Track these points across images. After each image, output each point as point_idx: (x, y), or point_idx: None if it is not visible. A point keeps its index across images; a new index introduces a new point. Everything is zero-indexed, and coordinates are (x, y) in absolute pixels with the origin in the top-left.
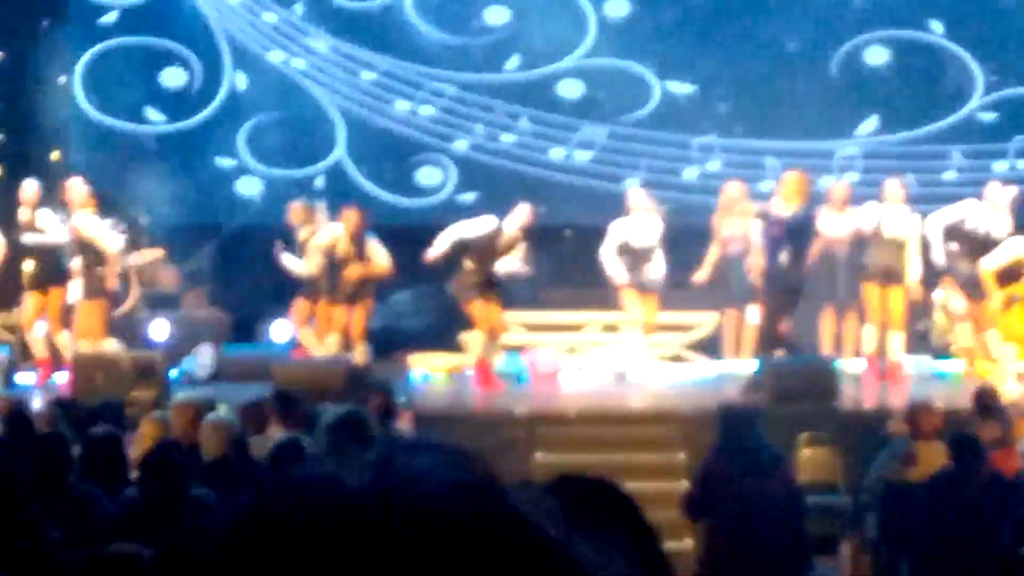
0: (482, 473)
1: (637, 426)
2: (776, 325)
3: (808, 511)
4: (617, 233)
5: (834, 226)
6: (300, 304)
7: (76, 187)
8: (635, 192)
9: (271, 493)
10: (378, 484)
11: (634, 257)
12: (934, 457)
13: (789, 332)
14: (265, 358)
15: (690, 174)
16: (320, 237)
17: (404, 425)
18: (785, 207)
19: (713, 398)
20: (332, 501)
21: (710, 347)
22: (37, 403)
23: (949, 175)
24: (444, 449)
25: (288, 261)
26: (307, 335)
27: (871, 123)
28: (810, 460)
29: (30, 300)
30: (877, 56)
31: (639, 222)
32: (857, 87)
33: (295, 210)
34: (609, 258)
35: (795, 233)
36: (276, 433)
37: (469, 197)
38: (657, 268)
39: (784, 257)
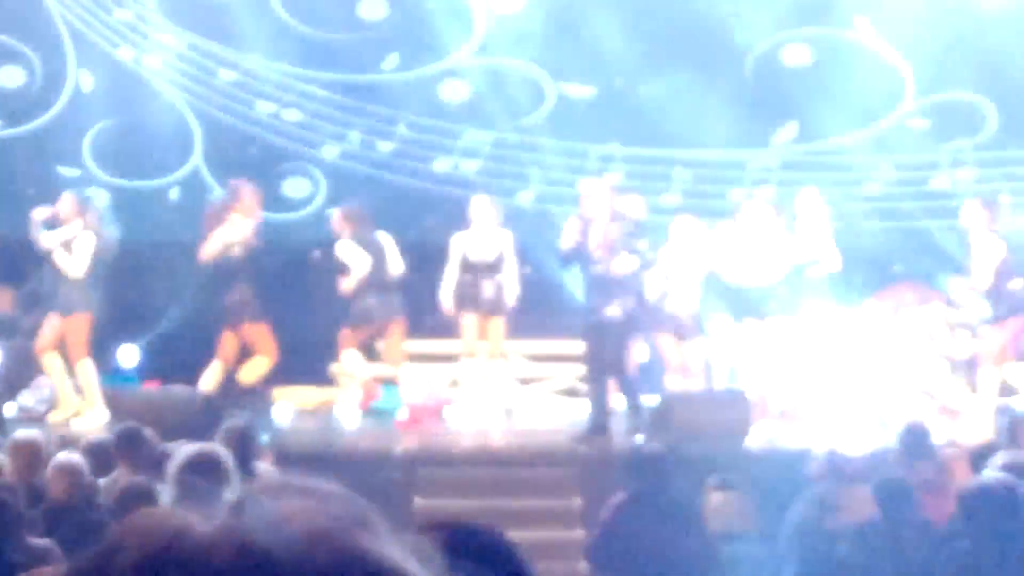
0: (354, 517)
1: (528, 468)
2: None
3: (721, 563)
4: (457, 248)
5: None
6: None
7: None
8: (478, 201)
9: (112, 542)
10: (228, 531)
11: (475, 275)
12: (858, 503)
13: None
14: (111, 389)
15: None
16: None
17: (266, 466)
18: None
19: (612, 436)
20: (177, 550)
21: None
22: None
23: (872, 188)
24: (311, 490)
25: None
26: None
27: (789, 130)
28: (719, 506)
29: None
30: (796, 56)
31: (482, 235)
32: (774, 90)
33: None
34: (445, 279)
35: None
36: (124, 475)
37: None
38: (504, 288)
39: None
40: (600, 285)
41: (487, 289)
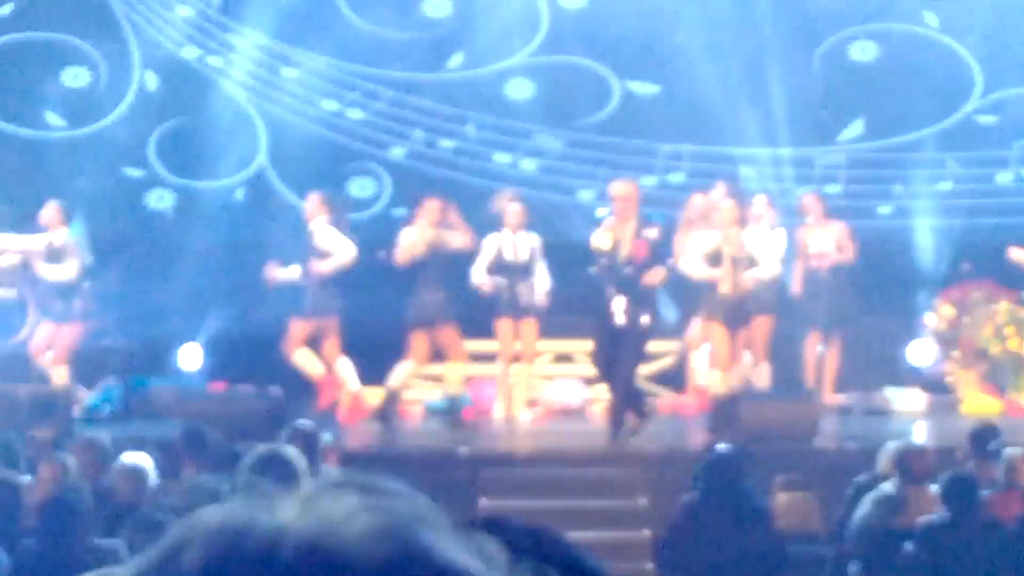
0: (419, 516)
1: (594, 468)
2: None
3: (788, 564)
4: (489, 250)
5: (816, 242)
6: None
7: None
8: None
9: (176, 539)
10: (293, 528)
11: (509, 277)
12: (925, 502)
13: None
14: (177, 390)
15: (648, 184)
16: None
17: (330, 467)
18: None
19: (678, 437)
20: (245, 548)
21: (676, 379)
22: None
23: (944, 186)
24: (377, 489)
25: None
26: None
27: (856, 128)
28: (786, 506)
29: None
30: (864, 52)
31: (513, 237)
32: (841, 87)
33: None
34: (474, 276)
35: None
36: (190, 475)
37: (405, 211)
38: (535, 290)
39: None
40: (622, 289)
41: (522, 292)
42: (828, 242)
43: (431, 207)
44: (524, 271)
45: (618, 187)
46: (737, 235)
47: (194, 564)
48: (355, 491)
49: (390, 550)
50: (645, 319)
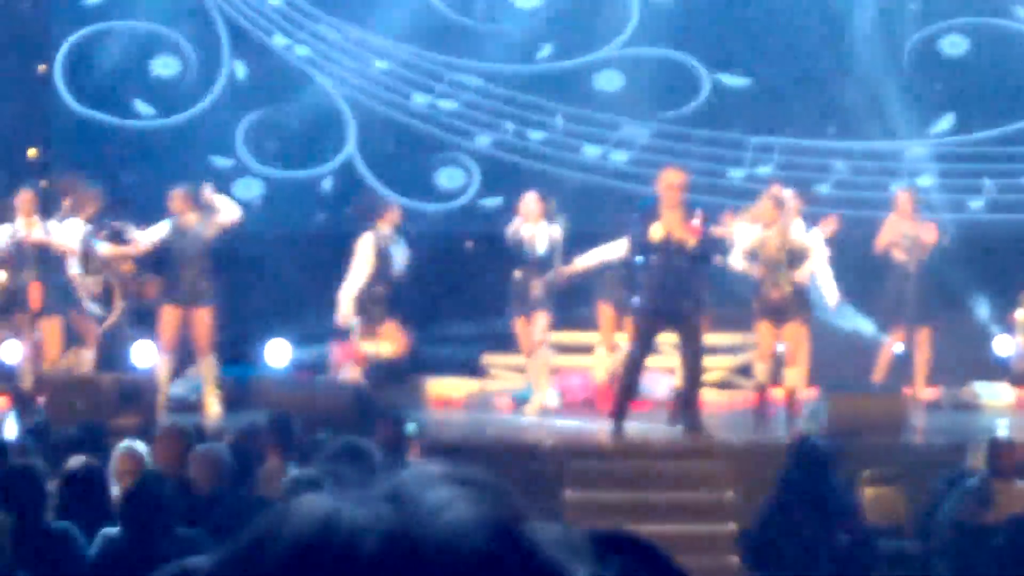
0: (508, 508)
1: (680, 461)
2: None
3: (875, 559)
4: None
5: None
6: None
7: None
8: (528, 197)
9: (263, 529)
10: (381, 519)
11: (526, 271)
12: (1014, 497)
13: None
14: (262, 381)
15: (737, 175)
16: None
17: (414, 458)
18: None
19: (765, 430)
20: (332, 539)
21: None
22: (11, 431)
23: None
24: (466, 480)
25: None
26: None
27: (947, 121)
28: (873, 500)
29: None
30: (955, 46)
31: (533, 230)
32: (931, 81)
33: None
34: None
35: None
36: (273, 465)
37: (494, 201)
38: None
39: None
40: (665, 277)
41: (535, 287)
42: (917, 236)
43: (531, 200)
44: (542, 264)
45: (669, 175)
46: (777, 235)
47: (280, 555)
48: (444, 482)
49: (479, 542)
50: (700, 305)
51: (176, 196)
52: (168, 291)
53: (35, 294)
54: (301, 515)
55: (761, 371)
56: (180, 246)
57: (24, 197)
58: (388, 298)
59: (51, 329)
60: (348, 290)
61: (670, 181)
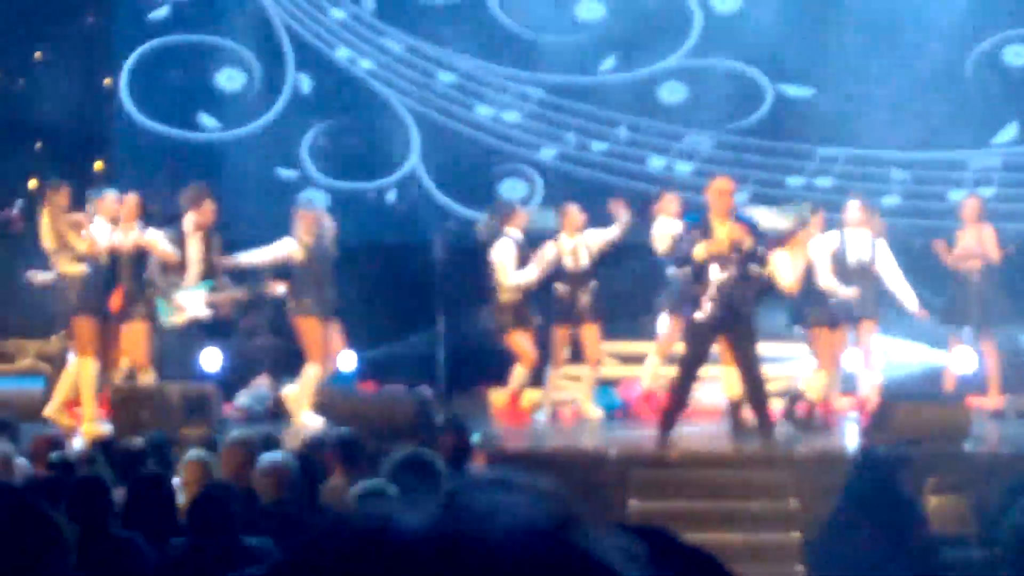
0: (563, 513)
1: (744, 469)
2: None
3: (940, 568)
4: (552, 254)
5: (966, 244)
6: None
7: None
8: (572, 209)
9: (321, 536)
10: (442, 525)
11: (571, 284)
12: None
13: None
14: (329, 392)
15: (795, 183)
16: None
17: (478, 466)
18: None
19: (829, 438)
20: (388, 544)
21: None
22: (77, 442)
23: None
24: (521, 486)
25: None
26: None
27: (1011, 131)
28: (938, 509)
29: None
30: (1018, 56)
31: (576, 242)
32: (995, 90)
33: None
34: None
35: None
36: (338, 480)
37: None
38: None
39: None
40: (723, 288)
41: (582, 298)
42: (978, 244)
43: (573, 212)
44: (583, 277)
45: (719, 182)
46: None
47: (335, 558)
48: (497, 487)
49: (535, 548)
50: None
51: (306, 215)
52: (315, 306)
53: (117, 299)
54: (357, 521)
55: (820, 381)
56: (319, 261)
57: (130, 201)
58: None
59: (134, 335)
60: (509, 295)
61: (720, 188)
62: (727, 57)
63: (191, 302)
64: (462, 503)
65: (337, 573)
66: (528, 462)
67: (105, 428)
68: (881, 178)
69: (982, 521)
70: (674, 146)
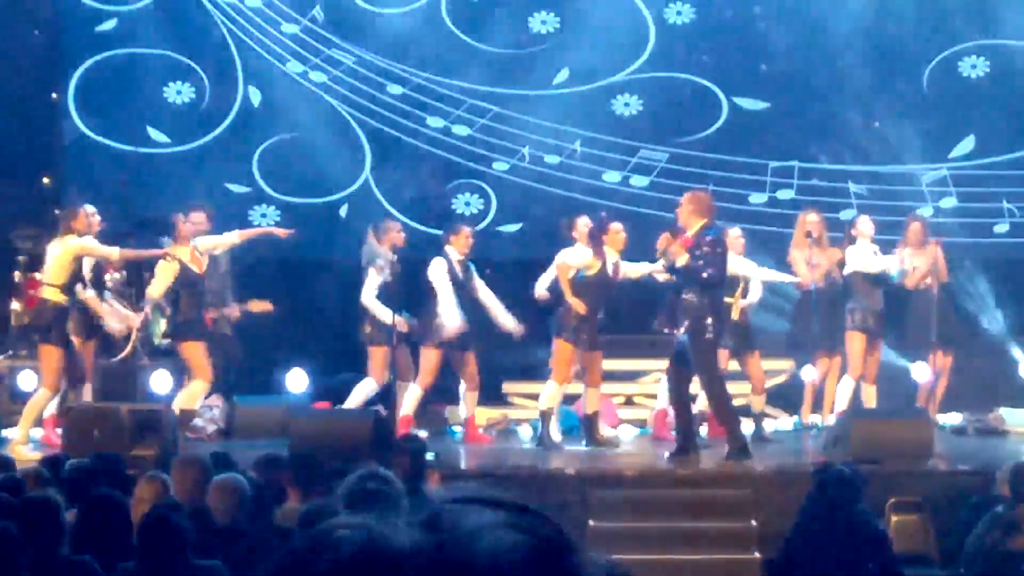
0: (550, 535)
1: (704, 489)
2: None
3: None
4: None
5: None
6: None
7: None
8: (582, 222)
9: (307, 552)
10: (428, 544)
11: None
12: None
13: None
14: (281, 411)
15: (758, 200)
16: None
17: (433, 486)
18: None
19: (789, 457)
20: (373, 563)
21: (787, 398)
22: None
23: None
24: (507, 504)
25: None
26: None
27: (967, 144)
28: (900, 527)
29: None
30: (974, 68)
31: (585, 254)
32: (952, 104)
33: None
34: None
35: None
36: (293, 500)
37: (513, 228)
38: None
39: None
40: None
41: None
42: (925, 263)
43: (582, 224)
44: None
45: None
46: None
47: (322, 574)
48: (485, 506)
49: (519, 567)
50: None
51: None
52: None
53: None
54: (341, 540)
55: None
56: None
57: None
58: None
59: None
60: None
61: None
62: (682, 70)
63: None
64: (448, 521)
65: None
66: (484, 481)
67: (32, 454)
68: (840, 192)
69: (944, 540)
70: (629, 160)
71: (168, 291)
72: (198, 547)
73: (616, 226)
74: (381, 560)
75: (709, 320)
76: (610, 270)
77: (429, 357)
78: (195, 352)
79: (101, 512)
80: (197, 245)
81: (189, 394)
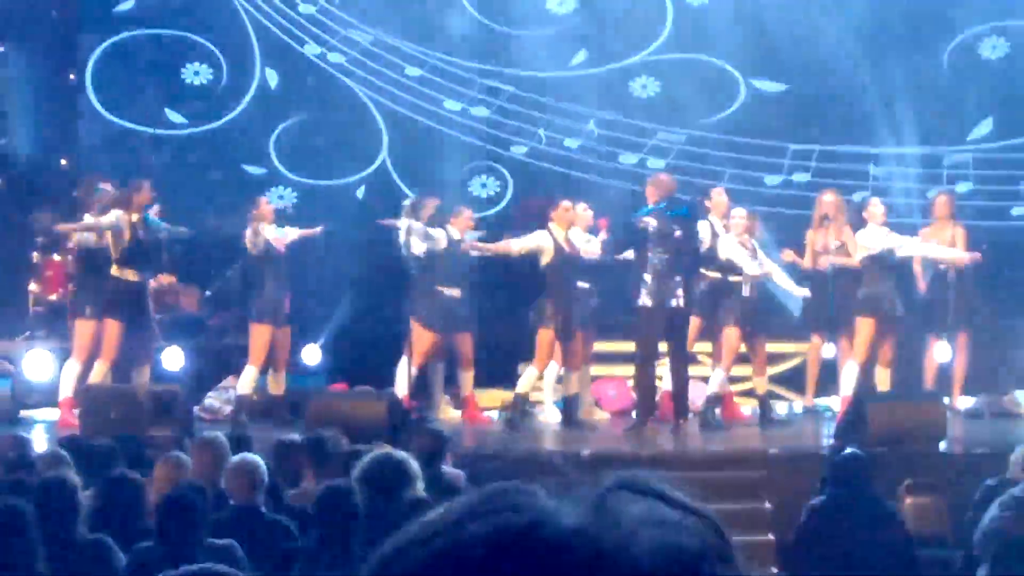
0: (713, 540)
1: (716, 471)
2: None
3: (916, 568)
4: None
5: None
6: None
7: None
8: (582, 207)
9: (462, 510)
10: (591, 528)
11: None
12: None
13: None
14: (299, 391)
15: (773, 183)
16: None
17: (448, 468)
18: None
19: (803, 439)
20: (536, 536)
21: (801, 381)
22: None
23: None
24: (675, 500)
25: None
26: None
27: (985, 126)
28: (914, 510)
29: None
30: (994, 50)
31: (585, 240)
32: (971, 85)
33: None
34: None
35: None
36: (308, 481)
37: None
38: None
39: None
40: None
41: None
42: (951, 244)
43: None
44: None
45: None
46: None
47: (481, 539)
48: (647, 496)
49: (679, 572)
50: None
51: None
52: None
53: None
54: (510, 504)
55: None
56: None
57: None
58: None
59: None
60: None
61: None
62: (700, 52)
63: None
64: (614, 508)
65: (481, 562)
66: (498, 463)
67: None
68: (859, 174)
69: (958, 522)
70: (646, 142)
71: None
72: (214, 527)
73: (566, 204)
74: (545, 537)
75: (643, 288)
76: (566, 247)
77: (423, 337)
78: (261, 335)
79: (119, 492)
80: (267, 232)
81: (244, 379)
